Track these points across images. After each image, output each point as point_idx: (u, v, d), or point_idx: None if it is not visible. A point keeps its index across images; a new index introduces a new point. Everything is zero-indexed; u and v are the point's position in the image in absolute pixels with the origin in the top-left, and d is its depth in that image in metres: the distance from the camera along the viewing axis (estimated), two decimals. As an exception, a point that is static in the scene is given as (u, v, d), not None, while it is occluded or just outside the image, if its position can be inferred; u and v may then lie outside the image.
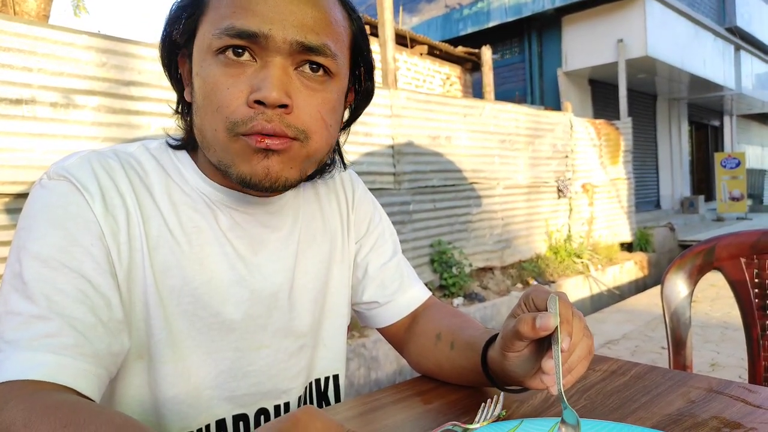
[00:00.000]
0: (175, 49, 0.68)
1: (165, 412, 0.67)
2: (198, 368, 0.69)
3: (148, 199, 0.67)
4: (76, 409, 0.50)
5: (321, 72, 0.64)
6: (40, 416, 0.49)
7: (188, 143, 0.71)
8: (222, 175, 0.67)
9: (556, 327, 0.58)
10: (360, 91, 0.76)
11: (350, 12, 0.69)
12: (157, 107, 3.10)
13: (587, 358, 0.61)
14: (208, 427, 0.70)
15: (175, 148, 0.72)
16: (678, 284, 1.20)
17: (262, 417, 0.75)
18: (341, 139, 0.79)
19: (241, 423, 0.73)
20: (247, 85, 0.60)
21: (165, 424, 0.68)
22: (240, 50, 0.60)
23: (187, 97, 0.69)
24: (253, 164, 0.62)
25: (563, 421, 0.56)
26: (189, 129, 0.70)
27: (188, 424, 0.69)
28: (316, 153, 0.66)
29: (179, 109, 0.72)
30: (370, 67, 0.74)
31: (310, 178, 0.78)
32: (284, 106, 0.60)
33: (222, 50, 0.60)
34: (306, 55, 0.62)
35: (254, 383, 0.73)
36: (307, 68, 0.63)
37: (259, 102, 0.60)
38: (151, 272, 0.66)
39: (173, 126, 0.74)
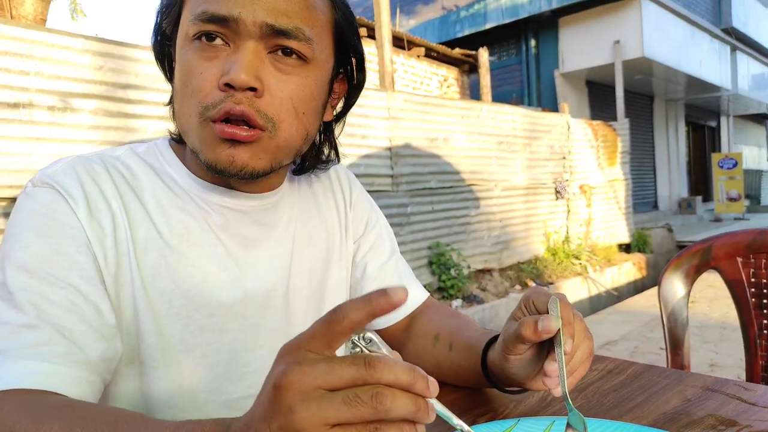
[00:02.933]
0: (166, 41, 0.69)
1: (158, 416, 0.67)
2: (192, 371, 0.68)
3: (135, 202, 0.66)
4: (89, 405, 0.50)
5: (294, 57, 0.63)
6: (50, 413, 0.48)
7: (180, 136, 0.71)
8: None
9: (558, 329, 0.58)
10: (351, 80, 0.75)
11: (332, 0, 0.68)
12: (154, 110, 3.09)
13: (588, 359, 0.61)
14: None
15: (176, 141, 0.72)
16: (675, 284, 1.20)
17: None
18: (336, 132, 0.78)
19: None
20: (219, 69, 0.61)
21: None
22: (212, 35, 0.61)
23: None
24: (218, 152, 0.62)
25: (569, 426, 0.56)
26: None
27: None
28: (287, 143, 0.65)
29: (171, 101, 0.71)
30: (359, 56, 0.73)
31: (304, 170, 0.78)
32: (253, 89, 0.60)
33: (197, 36, 0.61)
34: (277, 39, 0.61)
35: (250, 385, 0.72)
36: (280, 53, 0.62)
37: (228, 85, 0.60)
38: (139, 276, 0.65)
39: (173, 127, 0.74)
